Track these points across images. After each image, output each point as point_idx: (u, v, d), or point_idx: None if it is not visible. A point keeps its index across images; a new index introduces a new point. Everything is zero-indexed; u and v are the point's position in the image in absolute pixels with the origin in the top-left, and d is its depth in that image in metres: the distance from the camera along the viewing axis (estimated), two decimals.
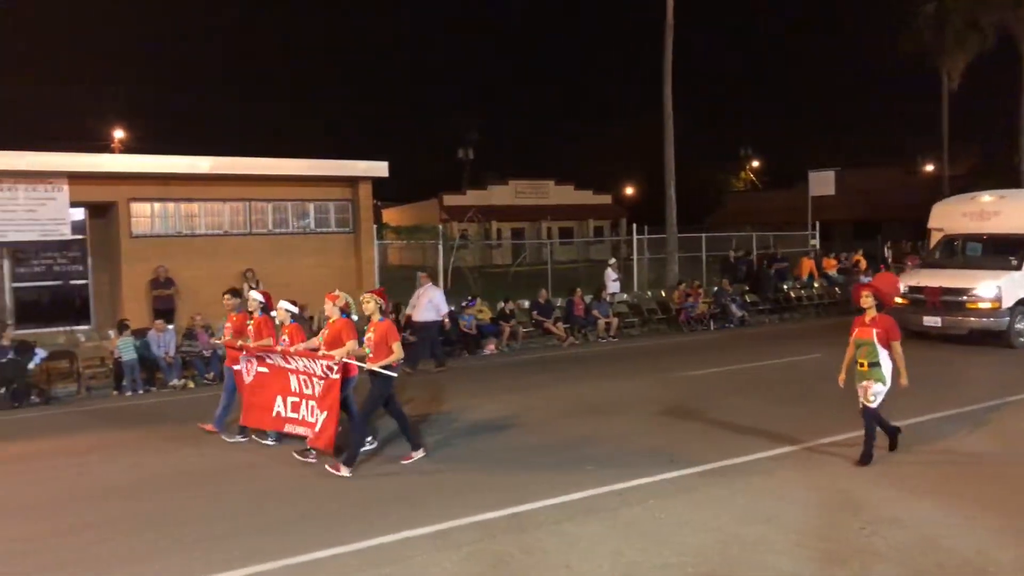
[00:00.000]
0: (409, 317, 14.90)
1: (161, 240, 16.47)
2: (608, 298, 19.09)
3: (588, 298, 18.18)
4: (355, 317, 8.95)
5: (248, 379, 9.48)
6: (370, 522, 6.45)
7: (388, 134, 69.93)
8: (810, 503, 6.71)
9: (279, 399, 9.07)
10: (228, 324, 9.97)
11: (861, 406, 7.76)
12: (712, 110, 68.64)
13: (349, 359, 8.37)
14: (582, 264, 29.67)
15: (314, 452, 8.41)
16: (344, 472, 7.80)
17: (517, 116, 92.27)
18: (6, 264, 16.24)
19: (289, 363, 8.95)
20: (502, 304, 17.60)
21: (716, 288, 20.46)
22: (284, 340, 9.12)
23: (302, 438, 8.69)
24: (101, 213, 16.76)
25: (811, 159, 36.78)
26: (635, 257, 23.11)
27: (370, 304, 8.27)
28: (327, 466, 7.95)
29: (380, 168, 18.51)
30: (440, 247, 20.23)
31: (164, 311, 15.13)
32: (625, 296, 20.51)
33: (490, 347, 16.58)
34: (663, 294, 20.84)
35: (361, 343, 8.34)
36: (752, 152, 65.05)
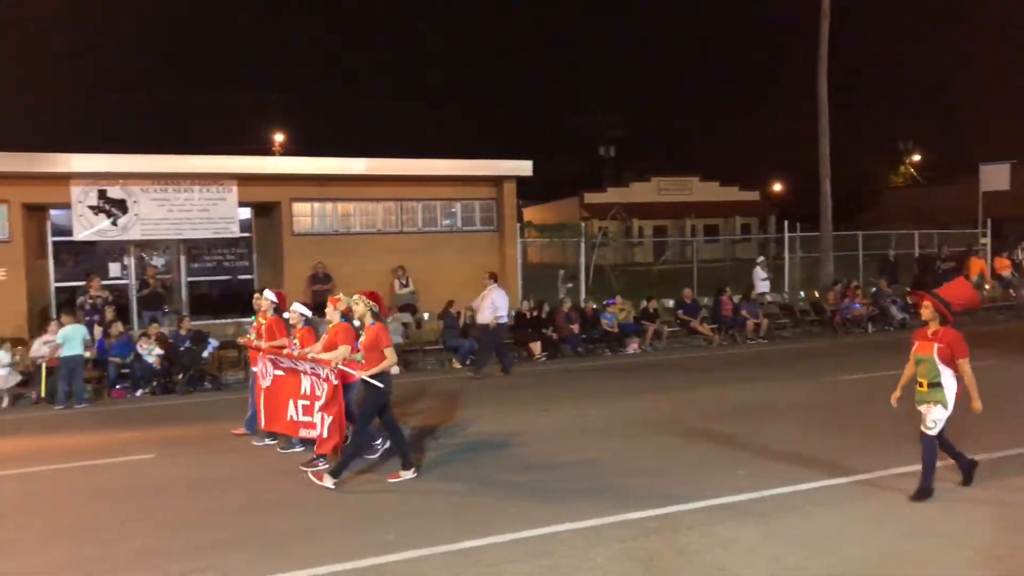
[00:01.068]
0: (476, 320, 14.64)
1: (319, 238, 17.37)
2: (757, 298, 18.48)
3: (736, 298, 17.68)
4: (356, 323, 8.32)
5: (266, 383, 9.12)
6: (519, 515, 6.55)
7: (529, 132, 70.66)
8: (983, 519, 6.25)
9: (291, 403, 8.75)
10: (255, 324, 9.76)
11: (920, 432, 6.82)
12: (868, 102, 65.06)
13: (345, 365, 7.98)
14: (727, 263, 28.85)
15: (323, 459, 8.17)
16: (327, 483, 7.41)
17: (660, 113, 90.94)
18: (182, 260, 17.64)
19: (299, 365, 8.63)
20: (645, 303, 17.41)
21: (874, 289, 19.39)
22: (295, 343, 8.84)
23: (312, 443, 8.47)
24: (266, 212, 17.87)
25: (980, 152, 34.11)
26: (786, 256, 22.25)
27: (359, 307, 7.81)
28: (310, 473, 7.67)
29: (524, 167, 18.75)
30: (582, 245, 20.22)
31: (322, 305, 15.93)
32: (771, 296, 19.79)
33: (633, 346, 16.43)
34: (816, 294, 19.97)
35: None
36: (912, 146, 61.10)
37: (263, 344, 9.16)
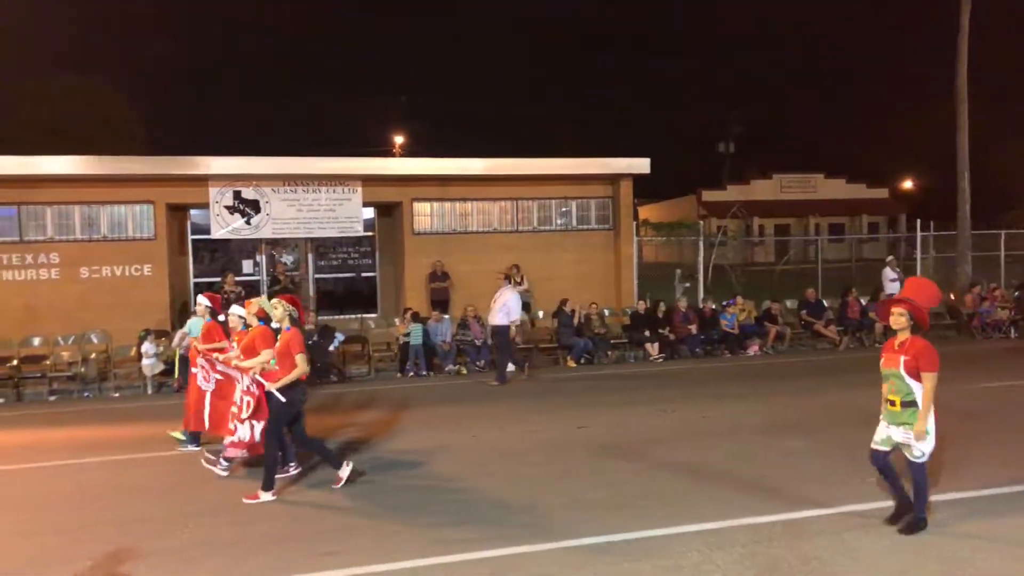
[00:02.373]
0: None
1: (438, 237, 17.77)
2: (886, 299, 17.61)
3: (864, 299, 16.92)
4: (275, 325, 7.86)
5: (209, 386, 8.57)
6: (639, 514, 6.51)
7: (645, 129, 69.76)
8: None
9: (232, 408, 8.24)
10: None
11: (871, 452, 6.10)
12: (1009, 93, 60.74)
13: (261, 374, 7.65)
14: (854, 263, 27.63)
15: (227, 463, 8.03)
16: (265, 497, 7.21)
17: (781, 108, 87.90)
18: (310, 257, 18.44)
19: (232, 372, 8.20)
20: (767, 304, 16.91)
21: (1017, 292, 18.15)
22: (234, 347, 8.37)
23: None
24: (388, 212, 18.44)
25: None
26: (918, 256, 21.11)
27: (278, 311, 7.58)
28: (244, 498, 7.26)
29: (641, 165, 18.55)
30: (700, 243, 19.84)
31: (440, 302, 16.35)
32: None
33: (753, 348, 16.00)
34: (952, 297, 18.86)
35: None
36: None
37: (200, 346, 8.80)
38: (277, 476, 7.56)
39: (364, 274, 18.88)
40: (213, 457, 8.23)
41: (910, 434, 5.83)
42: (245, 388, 7.86)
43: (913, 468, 5.93)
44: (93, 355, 14.24)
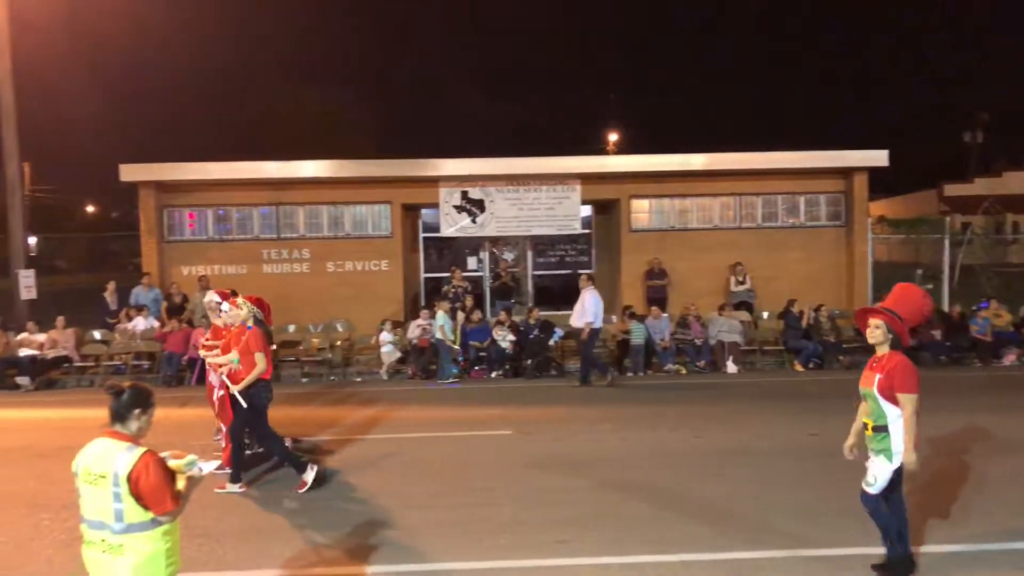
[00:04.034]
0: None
1: (656, 234, 17.62)
2: None
3: None
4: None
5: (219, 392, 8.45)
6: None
7: (879, 119, 64.91)
8: None
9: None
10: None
11: (861, 492, 5.29)
12: None
13: (228, 376, 7.71)
14: None
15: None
16: (232, 488, 7.36)
17: None
18: (529, 255, 18.97)
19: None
20: None
21: None
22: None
23: None
24: (605, 210, 18.55)
25: None
26: None
27: (243, 310, 7.74)
28: (215, 488, 7.33)
29: (878, 157, 17.34)
30: (946, 242, 18.18)
31: (657, 300, 16.19)
32: None
33: (1010, 358, 14.44)
34: None
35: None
36: None
37: (204, 343, 8.80)
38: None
39: (581, 271, 19.08)
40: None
41: (875, 462, 5.12)
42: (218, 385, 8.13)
43: (864, 500, 5.20)
44: (338, 342, 15.56)
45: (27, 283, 15.84)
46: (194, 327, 14.56)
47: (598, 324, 13.02)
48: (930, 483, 7.16)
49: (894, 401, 5.04)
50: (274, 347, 10.52)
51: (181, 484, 3.73)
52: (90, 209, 65.99)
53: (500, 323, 14.68)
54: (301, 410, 11.53)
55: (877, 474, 5.12)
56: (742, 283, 16.65)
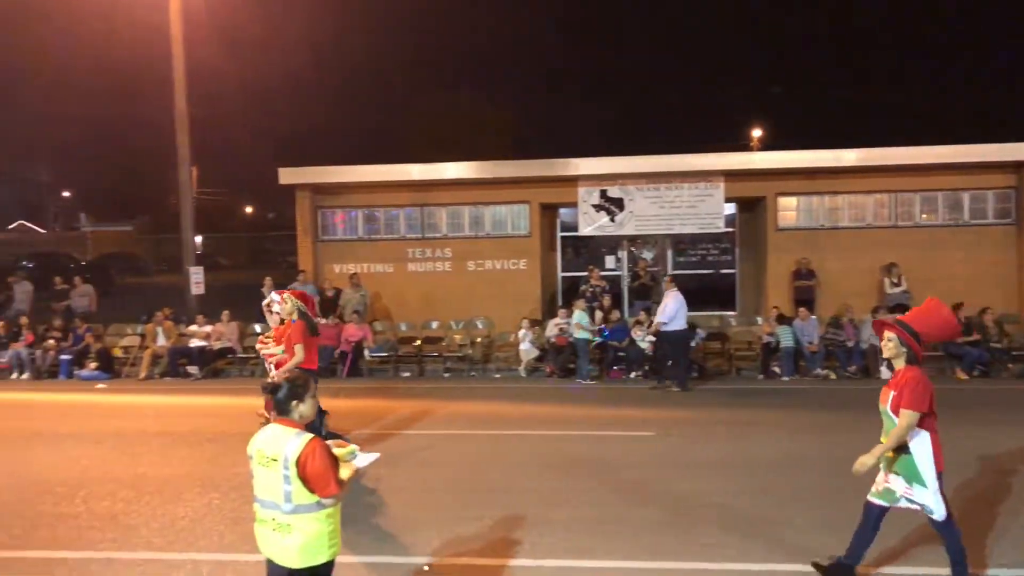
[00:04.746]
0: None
1: (804, 233, 16.95)
2: None
3: None
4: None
5: None
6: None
7: None
8: None
9: None
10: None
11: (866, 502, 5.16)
12: None
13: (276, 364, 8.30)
14: None
15: None
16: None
17: None
18: (669, 254, 18.70)
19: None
20: None
21: None
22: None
23: None
24: (749, 207, 18.02)
25: None
26: None
27: (287, 305, 8.30)
28: None
29: None
30: None
31: (805, 301, 15.56)
32: None
33: None
34: None
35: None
36: None
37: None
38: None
39: (723, 270, 18.67)
40: None
41: (911, 488, 4.92)
42: None
43: (936, 527, 4.96)
44: (478, 339, 15.91)
45: (196, 279, 17.13)
46: (345, 322, 15.30)
47: (672, 327, 12.74)
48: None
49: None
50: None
51: (346, 472, 3.97)
52: (248, 210, 70.52)
53: (639, 323, 14.55)
54: (449, 405, 11.87)
55: (933, 504, 4.87)
56: (897, 284, 15.74)
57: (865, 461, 4.93)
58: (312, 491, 3.79)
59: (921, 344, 4.96)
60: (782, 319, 14.04)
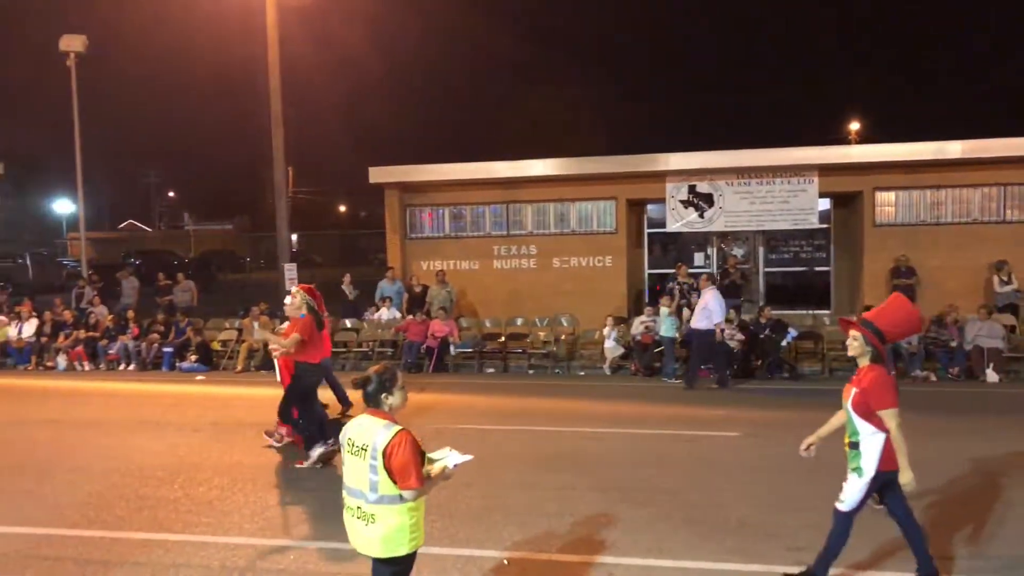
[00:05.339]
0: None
1: (903, 229, 16.28)
2: None
3: None
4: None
5: None
6: None
7: None
8: None
9: None
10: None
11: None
12: None
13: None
14: None
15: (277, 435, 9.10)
16: (313, 456, 8.16)
17: None
18: (761, 250, 18.22)
19: None
20: None
21: None
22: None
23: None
24: (845, 203, 17.39)
25: None
26: None
27: (297, 299, 8.47)
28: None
29: None
30: None
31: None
32: None
33: None
34: None
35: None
36: None
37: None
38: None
39: (817, 268, 18.08)
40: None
41: (849, 479, 4.98)
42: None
43: (834, 517, 5.03)
44: (563, 336, 15.87)
45: (291, 275, 17.68)
46: (432, 318, 15.51)
47: (700, 326, 12.58)
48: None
49: (868, 418, 4.88)
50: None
51: (437, 469, 4.00)
52: (342, 208, 72.40)
53: (728, 321, 14.22)
54: (531, 401, 11.90)
55: (848, 491, 4.98)
56: (1007, 283, 14.91)
57: (905, 480, 4.87)
58: (395, 483, 3.83)
59: (884, 342, 4.98)
60: None
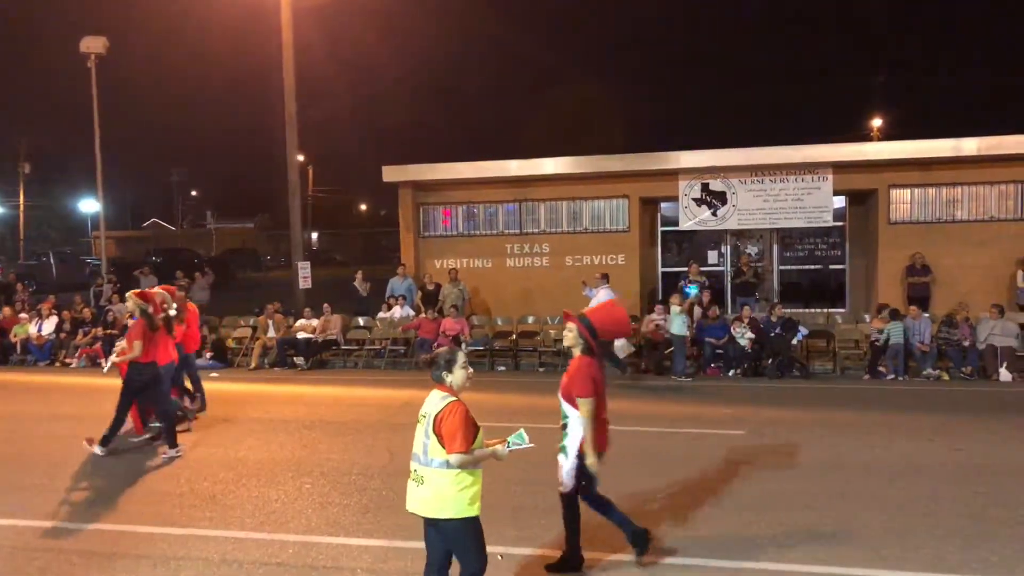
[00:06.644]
0: None
1: (919, 227, 16.16)
2: None
3: None
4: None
5: None
6: None
7: None
8: None
9: None
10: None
11: None
12: None
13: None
14: None
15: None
16: (96, 449, 8.51)
17: None
18: (775, 249, 18.13)
19: None
20: None
21: None
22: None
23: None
24: (860, 200, 17.27)
25: None
26: None
27: (130, 303, 8.76)
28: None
29: None
30: None
31: (918, 299, 14.84)
32: None
33: None
34: None
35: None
36: None
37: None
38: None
39: (831, 266, 17.96)
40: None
41: (562, 460, 5.37)
42: None
43: (562, 499, 5.46)
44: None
45: (304, 274, 17.86)
46: (444, 316, 15.61)
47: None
48: None
49: (572, 403, 5.29)
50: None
51: (488, 450, 4.42)
52: (363, 207, 72.79)
53: (739, 320, 14.20)
54: (538, 399, 11.96)
55: (563, 474, 5.37)
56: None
57: (590, 463, 5.29)
58: (443, 447, 4.22)
59: (597, 339, 5.36)
60: (894, 315, 13.39)
